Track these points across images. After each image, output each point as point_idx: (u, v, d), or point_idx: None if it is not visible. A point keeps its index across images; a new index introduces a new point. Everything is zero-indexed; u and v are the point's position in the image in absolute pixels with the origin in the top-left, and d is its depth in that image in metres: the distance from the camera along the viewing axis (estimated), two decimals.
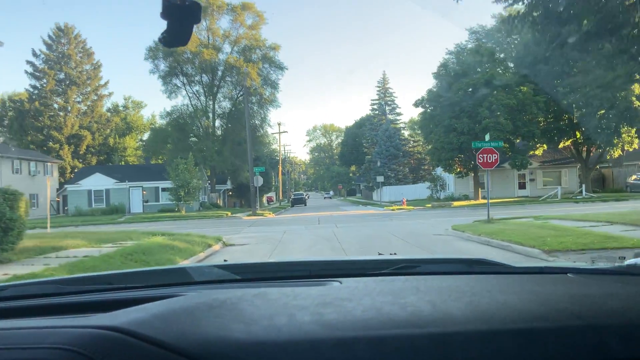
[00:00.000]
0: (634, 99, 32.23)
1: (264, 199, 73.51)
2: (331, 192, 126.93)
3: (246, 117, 37.36)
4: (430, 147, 41.36)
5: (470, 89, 35.21)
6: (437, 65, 38.29)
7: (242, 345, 0.91)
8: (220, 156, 46.15)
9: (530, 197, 41.38)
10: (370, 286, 1.34)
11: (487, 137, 19.70)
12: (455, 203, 37.31)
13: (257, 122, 49.27)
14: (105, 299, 1.34)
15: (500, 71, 36.57)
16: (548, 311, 1.05)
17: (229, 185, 56.48)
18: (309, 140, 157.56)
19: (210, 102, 48.54)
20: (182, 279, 1.60)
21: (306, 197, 74.64)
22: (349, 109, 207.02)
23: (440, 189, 47.51)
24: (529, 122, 35.32)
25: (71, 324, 1.01)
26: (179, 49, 45.41)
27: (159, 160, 50.81)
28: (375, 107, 71.52)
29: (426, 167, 64.99)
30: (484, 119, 33.67)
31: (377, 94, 70.78)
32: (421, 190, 53.53)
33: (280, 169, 69.96)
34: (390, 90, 70.31)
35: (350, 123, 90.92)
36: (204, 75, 47.44)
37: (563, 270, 1.52)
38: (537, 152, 40.72)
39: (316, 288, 1.34)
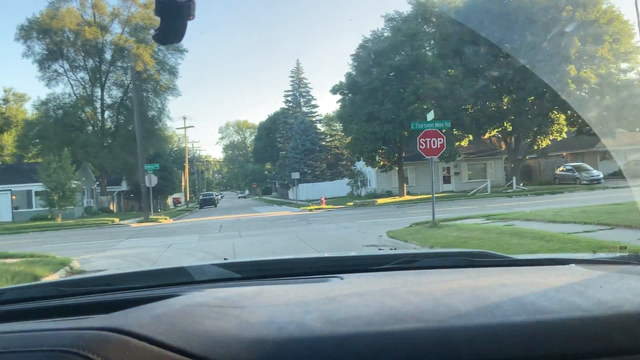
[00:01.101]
0: (569, 81, 29.54)
1: (169, 201, 66.66)
2: (246, 192, 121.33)
3: (135, 105, 31.33)
4: (349, 139, 37.13)
5: (394, 73, 31.25)
6: (356, 47, 34.15)
7: (244, 343, 0.90)
8: (110, 153, 39.58)
9: (456, 192, 38.33)
10: (372, 281, 1.35)
11: (429, 116, 15.37)
12: (380, 200, 33.32)
13: (154, 113, 42.95)
14: (105, 300, 1.32)
15: (426, 52, 32.89)
16: (551, 303, 1.03)
17: (124, 187, 49.50)
18: (222, 138, 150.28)
19: (98, 91, 41.58)
20: (182, 278, 1.54)
21: (217, 197, 68.62)
22: (263, 103, 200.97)
23: (361, 185, 43.57)
24: (458, 108, 31.90)
25: (72, 325, 1.00)
26: (55, 27, 38.28)
27: (39, 159, 42.98)
28: (289, 99, 66.64)
29: (344, 163, 61.15)
30: (409, 105, 29.76)
31: (291, 85, 66.00)
32: (340, 187, 49.48)
33: (187, 167, 63.51)
34: (305, 80, 65.70)
35: (265, 118, 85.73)
36: (89, 59, 40.44)
37: (566, 261, 1.47)
38: (463, 143, 37.65)
39: (317, 285, 1.32)
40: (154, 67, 39.11)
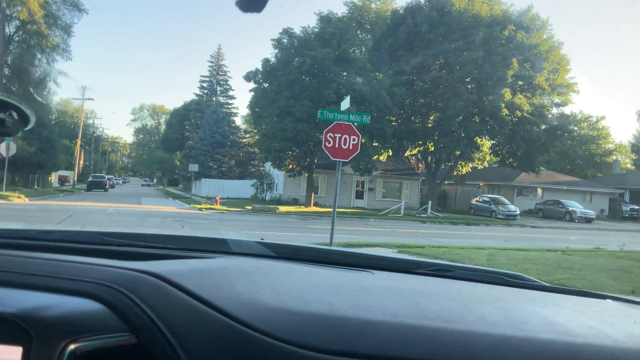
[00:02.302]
0: (502, 105, 27.04)
1: (52, 178, 59.03)
2: (151, 180, 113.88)
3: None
4: (259, 134, 32.93)
5: (317, 66, 27.46)
6: (279, 31, 30.05)
7: (273, 310, 0.92)
8: None
9: (368, 209, 35.16)
10: (403, 280, 1.37)
11: (344, 104, 11.49)
12: (282, 208, 29.34)
13: (37, 73, 36.46)
14: (147, 253, 1.36)
15: (354, 52, 29.39)
16: (581, 328, 1.02)
17: (11, 154, 42.18)
18: (134, 120, 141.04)
19: None
20: (221, 248, 1.57)
21: (112, 181, 61.83)
22: (183, 89, 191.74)
23: (267, 188, 39.38)
24: (381, 117, 28.62)
25: (115, 265, 1.03)
26: None
27: None
28: (204, 84, 61.29)
29: (256, 163, 56.79)
30: (328, 105, 26.02)
31: (209, 71, 60.66)
32: (247, 187, 45.05)
33: (79, 142, 56.47)
34: (224, 68, 60.59)
35: (180, 105, 79.51)
36: None
37: (602, 296, 1.44)
38: (381, 158, 34.55)
39: (349, 274, 1.33)
40: (41, 18, 32.93)
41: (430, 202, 31.84)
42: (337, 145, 10.56)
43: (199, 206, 28.95)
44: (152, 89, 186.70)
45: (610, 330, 1.03)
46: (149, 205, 29.54)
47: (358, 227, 22.52)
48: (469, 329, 0.93)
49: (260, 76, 30.02)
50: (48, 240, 1.43)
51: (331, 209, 29.26)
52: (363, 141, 30.89)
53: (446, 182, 37.77)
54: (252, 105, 30.56)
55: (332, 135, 10.58)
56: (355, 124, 10.85)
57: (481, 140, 31.38)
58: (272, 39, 29.43)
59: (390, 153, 35.16)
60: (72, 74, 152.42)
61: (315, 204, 32.90)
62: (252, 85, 31.18)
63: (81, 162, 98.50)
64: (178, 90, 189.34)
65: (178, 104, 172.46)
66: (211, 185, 47.79)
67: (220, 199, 38.57)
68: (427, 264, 1.61)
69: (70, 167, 62.93)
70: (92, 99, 70.65)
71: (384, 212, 31.23)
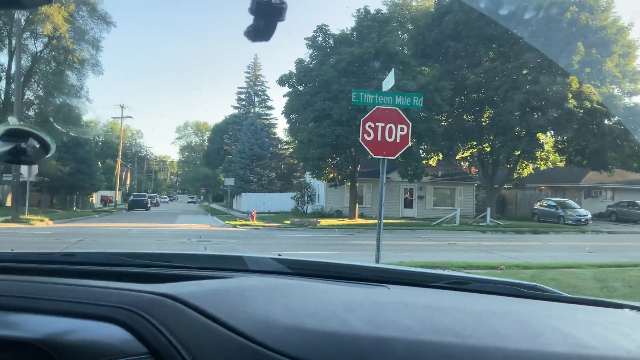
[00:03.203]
0: (569, 95, 23.61)
1: (93, 198, 58.41)
2: (199, 197, 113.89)
3: (16, 58, 23.97)
4: (296, 143, 30.47)
5: (355, 63, 24.80)
6: (314, 29, 27.57)
7: (287, 329, 0.93)
8: None
9: (418, 220, 32.06)
10: (418, 294, 1.35)
11: (387, 82, 8.63)
12: (324, 221, 26.68)
13: (68, 91, 35.24)
14: (164, 274, 1.38)
15: (395, 41, 26.55)
16: (594, 340, 1.00)
17: (29, 176, 41.34)
18: (178, 138, 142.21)
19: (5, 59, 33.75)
20: (238, 265, 1.59)
21: (151, 200, 60.77)
22: (225, 105, 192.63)
23: (308, 200, 36.83)
24: (429, 118, 25.66)
25: (134, 288, 1.06)
26: None
27: None
28: (242, 96, 59.53)
29: (298, 175, 54.48)
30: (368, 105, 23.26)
31: (246, 82, 58.88)
32: (288, 201, 42.69)
33: (119, 161, 55.62)
34: (262, 78, 58.70)
35: (221, 120, 78.39)
36: None
37: (620, 306, 1.40)
38: (430, 162, 31.45)
39: (364, 289, 1.33)
40: (66, 32, 31.63)
41: (489, 209, 28.50)
42: (379, 138, 7.85)
43: (233, 222, 26.65)
44: (196, 107, 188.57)
45: (625, 341, 1.01)
46: (181, 223, 27.47)
47: (409, 240, 19.61)
48: (482, 343, 0.93)
49: (294, 79, 27.58)
50: (70, 264, 1.49)
51: (376, 221, 26.49)
52: (411, 143, 28.03)
53: (505, 186, 34.21)
54: (287, 111, 28.12)
55: (372, 125, 7.88)
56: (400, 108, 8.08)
57: (544, 137, 27.88)
58: (305, 38, 27.02)
59: (441, 156, 32.01)
60: (109, 92, 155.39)
61: (360, 216, 30.09)
62: (286, 90, 28.78)
63: (128, 182, 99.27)
64: (219, 107, 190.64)
65: (220, 119, 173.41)
66: (251, 200, 45.69)
67: (261, 213, 36.32)
68: (443, 276, 1.58)
69: (115, 187, 62.32)
70: (130, 117, 69.85)
71: (437, 222, 28.09)
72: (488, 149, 29.88)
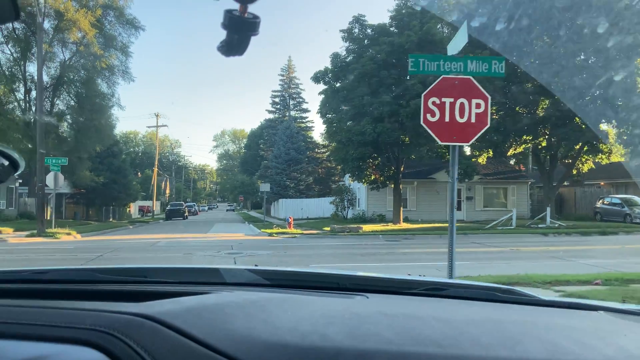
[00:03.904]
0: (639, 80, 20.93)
1: (131, 209, 57.85)
2: (238, 204, 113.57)
3: (38, 65, 22.91)
4: (333, 142, 28.51)
5: (396, 53, 22.68)
6: (349, 20, 25.60)
7: (268, 345, 0.92)
8: (32, 143, 30.85)
9: (468, 222, 29.62)
10: (397, 303, 1.35)
11: (457, 42, 6.54)
12: (366, 227, 24.62)
13: (98, 99, 34.35)
14: (140, 290, 1.36)
15: (440, 31, 24.31)
16: (572, 345, 1.02)
17: (66, 188, 40.75)
18: (216, 146, 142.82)
19: (25, 65, 33.05)
20: (214, 278, 1.57)
21: (188, 208, 59.90)
22: (261, 111, 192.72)
23: (348, 205, 34.82)
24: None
25: (109, 308, 1.04)
26: None
27: None
28: (277, 100, 57.97)
29: (337, 178, 52.52)
30: (413, 98, 21.23)
31: (280, 85, 57.30)
32: (327, 206, 40.82)
33: (156, 170, 54.86)
34: (296, 80, 57.02)
35: (257, 125, 77.17)
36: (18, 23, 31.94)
37: (594, 308, 1.41)
38: (480, 160, 29.00)
39: (343, 300, 1.32)
40: (93, 38, 30.64)
41: (548, 209, 25.85)
42: (447, 118, 5.82)
43: (269, 231, 24.85)
44: (233, 114, 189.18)
45: (602, 345, 1.02)
46: (215, 233, 25.89)
47: (465, 246, 17.35)
48: (463, 353, 0.93)
49: (330, 75, 25.65)
50: (42, 282, 1.45)
51: (425, 225, 24.08)
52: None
53: (566, 183, 31.38)
54: (323, 110, 26.21)
55: (437, 101, 5.86)
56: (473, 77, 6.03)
57: (609, 128, 25.15)
58: (341, 30, 25.05)
59: (491, 153, 29.51)
60: (142, 101, 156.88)
61: (405, 220, 27.87)
62: (322, 87, 26.88)
63: (167, 191, 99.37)
64: (256, 113, 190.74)
65: (256, 125, 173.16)
66: (289, 206, 44.02)
67: (298, 219, 34.55)
68: (421, 283, 1.57)
69: (154, 197, 61.74)
70: (166, 126, 69.30)
71: (491, 225, 25.64)
72: (544, 143, 27.25)
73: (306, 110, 57.21)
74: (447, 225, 22.70)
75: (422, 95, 5.93)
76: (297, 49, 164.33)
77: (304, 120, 56.52)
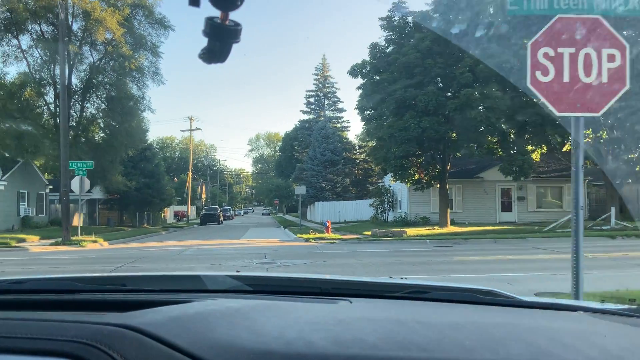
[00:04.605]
0: None
1: (166, 214, 57.10)
2: (270, 208, 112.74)
3: (61, 66, 21.89)
4: (373, 140, 26.62)
5: (441, 40, 20.66)
6: (389, 7, 23.70)
7: (253, 353, 0.91)
8: (72, 150, 30.00)
9: (519, 225, 27.30)
10: (381, 308, 1.35)
11: None
12: (410, 231, 22.64)
13: (129, 102, 33.35)
14: (120, 300, 1.34)
15: (490, 13, 22.14)
16: (555, 346, 1.01)
17: (97, 194, 40.04)
18: (251, 150, 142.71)
19: (54, 68, 32.20)
20: (196, 286, 1.56)
21: (223, 213, 58.86)
22: (295, 114, 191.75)
23: (388, 207, 32.85)
24: (535, 100, 21.03)
25: (91, 319, 1.02)
26: None
27: None
28: (311, 100, 56.29)
29: (374, 180, 50.49)
30: (462, 88, 19.18)
31: (315, 84, 55.60)
32: (365, 208, 38.95)
33: (190, 174, 53.97)
34: (330, 79, 55.21)
35: (291, 128, 75.83)
36: (42, 24, 31.23)
37: (574, 308, 1.43)
38: (533, 156, 26.60)
39: (327, 305, 1.32)
40: (121, 37, 29.59)
41: (613, 209, 23.39)
42: (566, 78, 3.94)
43: (305, 236, 23.12)
44: (266, 117, 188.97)
45: (584, 347, 1.02)
46: (248, 239, 24.34)
47: (528, 253, 15.25)
48: (448, 356, 0.92)
49: (368, 67, 23.80)
50: (20, 292, 1.43)
51: (473, 228, 21.80)
52: (511, 133, 23.28)
53: (630, 180, 28.65)
54: (361, 105, 24.35)
55: (551, 53, 3.98)
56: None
57: None
58: (380, 18, 23.17)
59: (545, 149, 27.09)
60: (174, 105, 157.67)
61: (451, 223, 25.74)
62: (359, 82, 25.01)
63: (203, 196, 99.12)
64: (291, 114, 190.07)
65: (290, 127, 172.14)
66: (325, 209, 42.28)
67: (336, 223, 32.72)
68: (403, 286, 1.56)
69: (190, 202, 60.94)
70: (199, 129, 68.37)
71: (549, 228, 23.29)
72: (605, 136, 24.70)
73: (342, 110, 55.44)
74: (498, 228, 20.33)
75: (528, 45, 4.06)
76: (330, 46, 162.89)
77: (339, 120, 54.72)
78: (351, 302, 1.34)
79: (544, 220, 27.37)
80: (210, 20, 1.01)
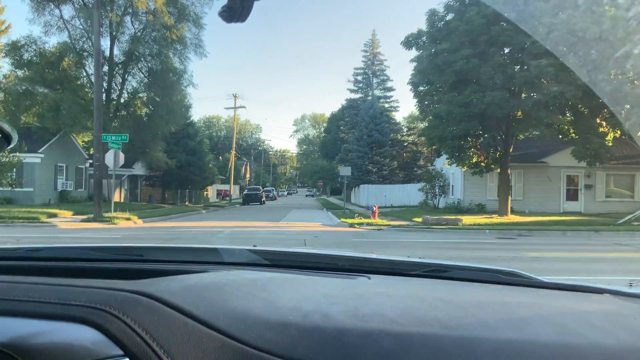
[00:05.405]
0: None
1: (209, 192, 56.34)
2: (313, 190, 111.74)
3: (95, 33, 20.65)
4: (427, 121, 24.43)
5: (512, 3, 18.27)
6: None
7: (269, 324, 0.90)
8: (112, 123, 29.11)
9: (586, 215, 24.67)
10: (400, 284, 1.33)
11: None
12: (466, 219, 20.42)
13: (171, 75, 32.17)
14: (136, 268, 1.35)
15: None
16: (583, 328, 0.98)
17: (139, 170, 39.33)
18: (296, 131, 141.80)
19: (104, 43, 31.23)
20: (214, 258, 1.55)
21: (266, 193, 57.76)
22: (342, 92, 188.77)
23: (440, 192, 30.64)
24: (615, 75, 18.39)
25: (105, 285, 1.01)
26: None
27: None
28: (359, 78, 53.97)
29: (423, 163, 48.08)
30: (533, 59, 16.83)
31: (363, 61, 53.22)
32: (413, 192, 36.83)
33: (233, 153, 52.92)
34: (380, 56, 52.65)
35: (337, 108, 73.76)
36: None
37: (600, 290, 1.37)
38: (608, 138, 23.84)
39: (345, 280, 1.29)
40: (163, 6, 28.23)
41: None
42: None
43: (350, 221, 21.29)
44: (313, 98, 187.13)
45: (613, 328, 0.99)
46: (289, 222, 22.76)
47: (611, 249, 12.97)
48: (470, 334, 0.91)
49: (425, 38, 21.54)
50: (36, 259, 1.43)
51: (536, 218, 19.13)
52: (585, 111, 20.64)
53: None
54: (416, 79, 22.13)
55: None
56: None
57: None
58: None
59: (619, 133, 24.25)
60: (218, 81, 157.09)
61: (514, 212, 23.38)
62: (413, 54, 22.79)
63: (247, 176, 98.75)
64: (338, 94, 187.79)
65: (337, 108, 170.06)
66: (371, 192, 40.35)
67: (382, 208, 30.76)
68: (423, 264, 1.52)
69: (234, 181, 60.06)
70: (244, 107, 67.22)
71: (624, 220, 20.69)
72: None
73: (391, 89, 52.90)
74: (564, 218, 17.58)
75: None
76: (379, 20, 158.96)
77: (388, 100, 52.34)
78: (369, 279, 1.30)
79: (614, 211, 24.68)
80: None
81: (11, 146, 1.19)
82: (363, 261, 1.59)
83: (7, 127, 1.12)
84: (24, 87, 28.42)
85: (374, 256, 1.67)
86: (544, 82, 17.36)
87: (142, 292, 0.95)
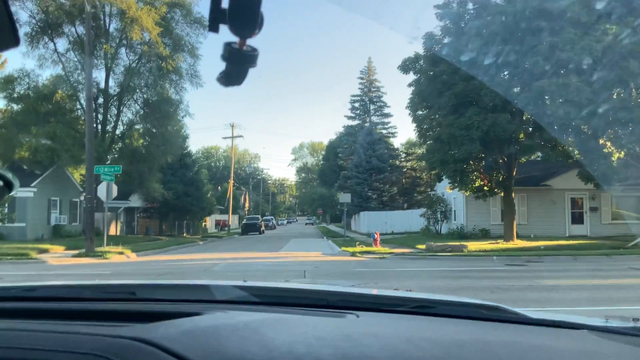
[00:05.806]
0: None
1: (207, 223, 55.62)
2: (313, 218, 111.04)
3: (87, 62, 20.33)
4: (426, 146, 23.96)
5: (513, 22, 17.91)
6: None
7: None
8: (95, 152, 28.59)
9: (593, 239, 23.99)
10: (387, 323, 1.36)
11: None
12: (472, 245, 19.74)
13: (167, 106, 31.82)
14: (130, 309, 1.36)
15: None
16: None
17: (135, 202, 38.70)
18: (295, 159, 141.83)
19: (98, 75, 30.97)
20: (205, 296, 1.57)
21: (265, 222, 57.03)
22: (339, 121, 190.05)
23: (442, 218, 30.01)
24: (624, 98, 18.04)
25: (106, 332, 1.04)
26: None
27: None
28: (356, 105, 53.84)
29: (423, 189, 47.52)
30: (535, 80, 16.45)
31: (360, 88, 53.16)
32: (414, 218, 36.17)
33: (231, 182, 52.38)
34: (376, 83, 52.63)
35: (335, 136, 73.62)
36: (77, 26, 30.02)
37: (579, 326, 1.41)
38: (614, 157, 23.35)
39: (334, 319, 1.32)
40: (157, 37, 28.01)
41: None
42: None
43: (351, 249, 20.61)
44: (311, 127, 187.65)
45: None
46: (288, 252, 22.08)
47: (626, 276, 12.31)
48: None
49: (422, 61, 21.22)
50: (31, 300, 1.43)
51: (541, 242, 17.98)
52: (588, 134, 20.21)
53: None
54: (414, 104, 21.73)
55: None
56: None
57: None
58: (435, 6, 20.55)
59: (622, 154, 23.74)
60: (215, 111, 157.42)
61: (520, 237, 22.71)
62: (411, 79, 22.45)
63: (246, 205, 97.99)
64: (335, 122, 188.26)
65: (334, 136, 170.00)
66: (371, 219, 39.68)
67: (384, 235, 30.02)
68: (410, 299, 1.55)
69: (232, 211, 59.37)
70: (241, 136, 66.95)
71: (633, 243, 20.05)
72: None
73: (388, 115, 52.70)
74: (571, 242, 16.74)
75: None
76: (375, 48, 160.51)
77: (385, 126, 52.14)
78: (358, 317, 1.33)
79: (621, 233, 24.02)
80: (228, 46, 1.02)
81: (13, 193, 1.20)
82: (351, 296, 1.60)
83: (9, 175, 1.13)
84: (17, 120, 28.02)
85: (362, 291, 1.67)
86: (547, 101, 16.96)
87: (142, 338, 0.97)
